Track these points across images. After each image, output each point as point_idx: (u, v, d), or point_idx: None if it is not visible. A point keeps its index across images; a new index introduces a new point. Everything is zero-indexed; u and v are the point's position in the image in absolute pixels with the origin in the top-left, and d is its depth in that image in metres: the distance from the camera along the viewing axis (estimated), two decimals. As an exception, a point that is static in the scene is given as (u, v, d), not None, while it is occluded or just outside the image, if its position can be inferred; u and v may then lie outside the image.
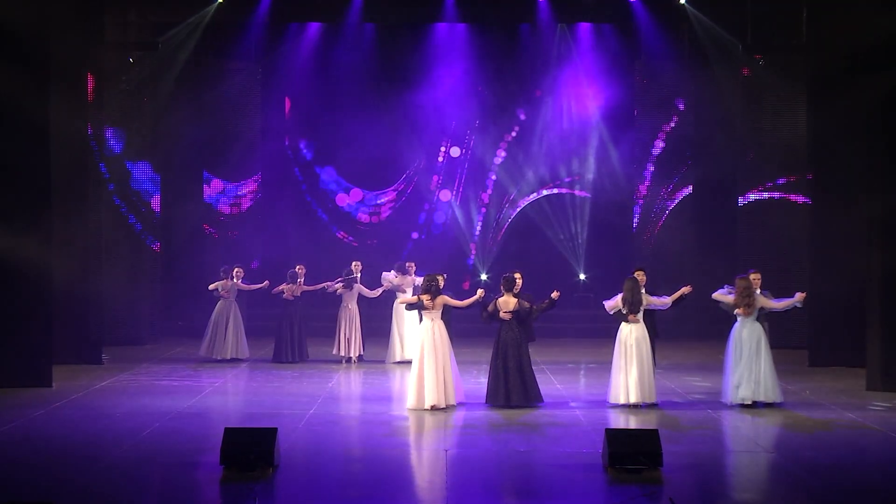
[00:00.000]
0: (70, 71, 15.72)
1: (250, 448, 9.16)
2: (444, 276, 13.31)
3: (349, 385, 14.57)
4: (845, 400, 13.07)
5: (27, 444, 10.46)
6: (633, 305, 12.42)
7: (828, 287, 16.09)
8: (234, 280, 16.76)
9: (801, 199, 18.72)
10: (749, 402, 12.31)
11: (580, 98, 21.51)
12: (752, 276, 12.78)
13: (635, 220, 21.46)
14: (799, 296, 12.51)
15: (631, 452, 9.15)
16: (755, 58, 19.11)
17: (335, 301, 16.83)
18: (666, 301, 12.69)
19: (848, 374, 15.06)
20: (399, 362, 16.27)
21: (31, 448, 10.30)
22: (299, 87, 21.44)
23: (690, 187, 21.40)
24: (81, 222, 16.13)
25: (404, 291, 16.24)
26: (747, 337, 12.46)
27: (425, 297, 12.42)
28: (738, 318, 12.56)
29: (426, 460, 9.90)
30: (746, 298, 12.41)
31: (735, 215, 20.04)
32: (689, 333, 19.80)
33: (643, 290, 12.63)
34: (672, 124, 21.33)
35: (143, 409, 12.34)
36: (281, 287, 16.57)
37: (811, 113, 16.84)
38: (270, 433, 9.35)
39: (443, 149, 22.13)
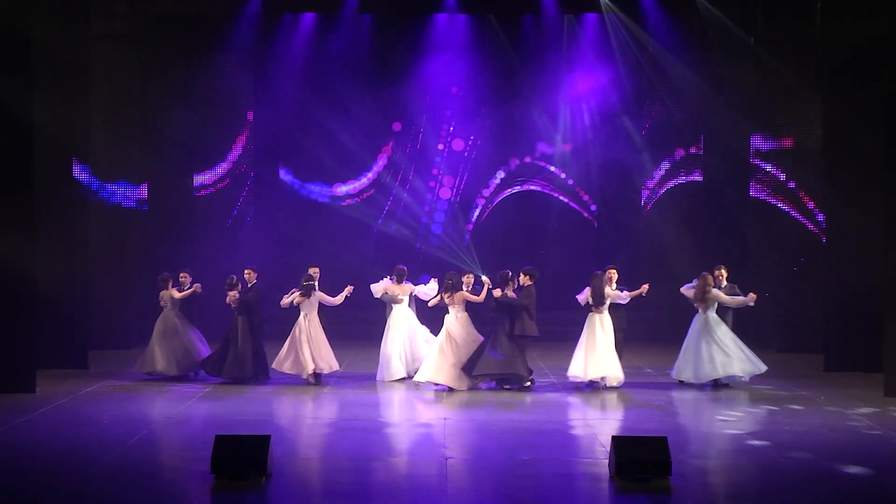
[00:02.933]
0: (54, 64, 15.68)
1: (242, 456, 9.16)
2: (469, 274, 14.81)
3: (343, 391, 14.52)
4: (862, 406, 13.06)
5: (10, 452, 10.44)
6: (597, 299, 14.36)
7: (843, 288, 16.08)
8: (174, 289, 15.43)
9: (812, 197, 18.72)
10: (691, 381, 14.50)
11: (584, 90, 21.49)
12: (716, 273, 14.89)
13: (641, 214, 21.45)
14: (751, 295, 14.55)
15: (638, 460, 9.14)
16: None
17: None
18: (625, 296, 14.50)
19: (865, 380, 15.02)
20: (401, 379, 15.07)
21: (15, 456, 10.29)
22: (293, 80, 21.43)
23: (699, 182, 21.39)
24: (67, 223, 16.11)
25: (399, 301, 15.29)
26: (701, 327, 14.56)
27: (445, 295, 14.41)
28: (699, 311, 14.68)
29: (426, 468, 9.89)
30: (703, 294, 14.51)
31: (745, 211, 20.07)
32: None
33: (607, 286, 14.40)
34: (681, 118, 21.33)
35: (131, 416, 12.33)
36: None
37: (825, 106, 16.81)
38: (263, 440, 9.34)
39: (441, 146, 22.12)
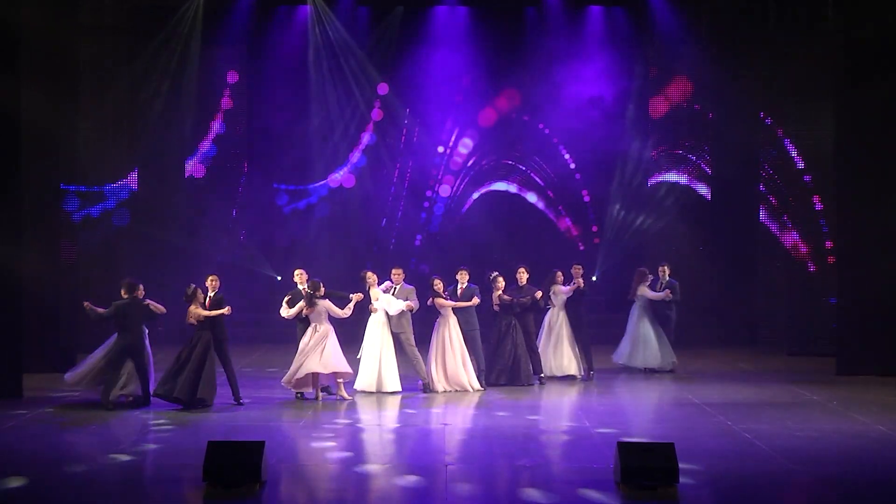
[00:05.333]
0: (41, 57, 15.66)
1: (236, 462, 9.15)
2: (439, 278, 14.96)
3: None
4: (875, 411, 13.04)
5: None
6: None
7: (856, 290, 16.07)
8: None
9: (824, 195, 18.70)
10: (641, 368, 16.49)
11: (588, 86, 21.48)
12: (660, 269, 16.77)
13: (645, 214, 21.47)
14: (667, 292, 16.48)
15: (644, 467, 9.13)
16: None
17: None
18: (567, 290, 15.85)
19: (878, 384, 15.04)
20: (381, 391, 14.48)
21: (1, 462, 10.28)
22: (287, 74, 21.44)
23: (706, 182, 21.40)
24: (53, 222, 16.09)
25: (373, 310, 14.59)
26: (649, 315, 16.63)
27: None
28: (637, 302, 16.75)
29: (426, 475, 9.88)
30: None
31: (754, 212, 20.06)
32: (705, 341, 19.82)
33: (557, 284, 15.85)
34: (687, 114, 21.32)
35: (121, 421, 12.32)
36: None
37: (839, 102, 16.78)
38: (257, 447, 9.32)
39: (441, 148, 22.13)
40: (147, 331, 13.72)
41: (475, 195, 22.21)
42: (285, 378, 13.99)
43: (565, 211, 22.08)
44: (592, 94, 21.42)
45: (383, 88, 21.53)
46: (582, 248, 21.68)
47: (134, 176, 19.86)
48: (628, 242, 21.26)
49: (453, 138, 22.04)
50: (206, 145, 21.38)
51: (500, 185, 22.24)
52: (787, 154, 19.21)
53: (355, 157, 21.89)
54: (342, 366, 13.90)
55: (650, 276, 16.67)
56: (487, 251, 20.80)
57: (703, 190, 21.45)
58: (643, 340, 16.49)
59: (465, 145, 22.08)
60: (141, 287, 13.60)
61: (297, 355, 13.93)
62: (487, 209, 22.10)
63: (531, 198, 22.15)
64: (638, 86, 21.35)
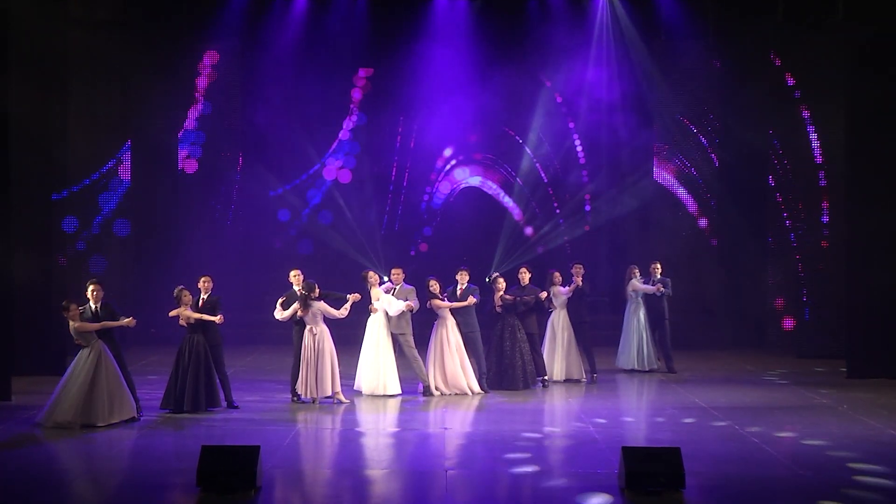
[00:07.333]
0: (31, 50, 15.65)
1: (230, 468, 9.15)
2: (435, 279, 14.87)
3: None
4: (886, 415, 13.04)
5: (-16, 464, 10.45)
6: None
7: (866, 290, 16.05)
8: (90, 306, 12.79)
9: (831, 194, 18.69)
10: (629, 368, 16.79)
11: (592, 82, 21.48)
12: (652, 267, 16.95)
13: (649, 213, 21.47)
14: (658, 285, 16.75)
15: (650, 472, 9.14)
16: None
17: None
18: (567, 290, 15.92)
19: (889, 387, 15.04)
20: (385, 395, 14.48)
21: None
22: (283, 68, 21.46)
23: (711, 178, 21.40)
24: (44, 221, 16.08)
25: (373, 310, 14.64)
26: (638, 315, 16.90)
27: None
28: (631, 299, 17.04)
29: (425, 480, 9.88)
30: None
31: (764, 208, 20.06)
32: (712, 343, 19.81)
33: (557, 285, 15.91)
34: (694, 110, 21.32)
35: (111, 425, 12.30)
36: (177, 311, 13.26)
37: (847, 100, 16.76)
38: (252, 451, 9.33)
39: (439, 157, 22.16)
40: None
41: (474, 181, 22.25)
42: (301, 388, 13.90)
43: (561, 208, 22.09)
44: (595, 88, 21.42)
45: (379, 84, 21.56)
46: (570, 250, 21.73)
47: (127, 173, 19.84)
48: (628, 241, 21.29)
49: (448, 127, 22.05)
50: (199, 139, 21.40)
51: (493, 187, 22.27)
52: (796, 152, 19.19)
53: (350, 149, 21.92)
54: (330, 389, 13.82)
55: (637, 270, 16.98)
56: (485, 248, 20.89)
57: (706, 188, 21.44)
58: (634, 340, 16.82)
59: (463, 143, 22.12)
60: (93, 288, 12.89)
61: (302, 363, 13.76)
62: (484, 205, 22.12)
63: (503, 199, 22.20)
64: (641, 78, 21.33)
